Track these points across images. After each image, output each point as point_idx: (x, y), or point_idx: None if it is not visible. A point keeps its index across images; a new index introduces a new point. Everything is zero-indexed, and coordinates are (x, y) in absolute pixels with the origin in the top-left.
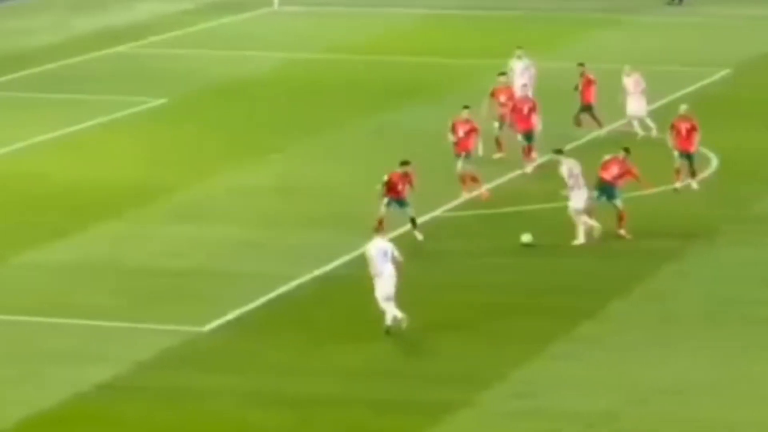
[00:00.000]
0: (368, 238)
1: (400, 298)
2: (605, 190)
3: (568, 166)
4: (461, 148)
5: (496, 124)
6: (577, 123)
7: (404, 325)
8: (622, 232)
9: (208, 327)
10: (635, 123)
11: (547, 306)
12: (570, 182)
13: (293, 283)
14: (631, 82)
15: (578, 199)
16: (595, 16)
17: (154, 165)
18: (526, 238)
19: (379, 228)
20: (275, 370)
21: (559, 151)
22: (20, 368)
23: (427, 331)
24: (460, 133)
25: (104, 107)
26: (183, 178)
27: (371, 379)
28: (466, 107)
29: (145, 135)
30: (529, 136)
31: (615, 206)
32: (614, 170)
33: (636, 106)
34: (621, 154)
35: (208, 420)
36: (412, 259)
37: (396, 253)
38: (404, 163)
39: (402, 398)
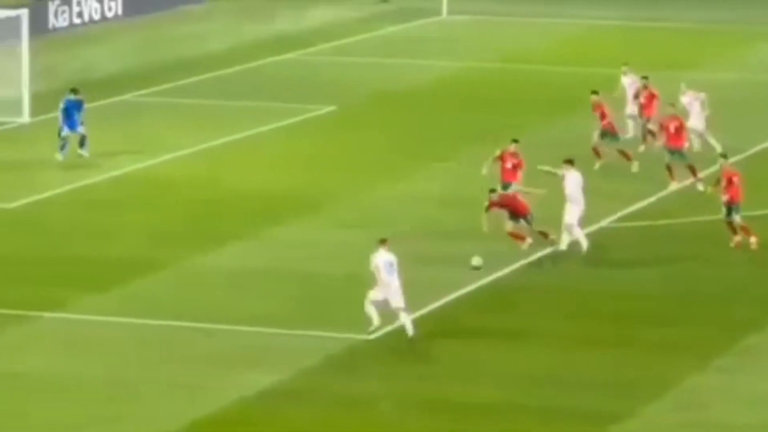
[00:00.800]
0: (538, 245)
1: (563, 304)
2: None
3: (574, 179)
4: (508, 178)
5: (596, 134)
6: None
7: (410, 335)
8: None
9: (371, 334)
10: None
11: (707, 316)
12: (572, 195)
13: (457, 291)
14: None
15: (572, 214)
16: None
17: (321, 172)
18: (475, 261)
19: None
20: (438, 377)
21: (570, 162)
22: (186, 373)
23: (587, 340)
24: (509, 164)
25: (273, 114)
26: (350, 185)
27: (533, 387)
28: (515, 141)
29: (313, 142)
30: (677, 153)
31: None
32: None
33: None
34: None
35: (368, 426)
36: (577, 267)
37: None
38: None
39: (566, 407)
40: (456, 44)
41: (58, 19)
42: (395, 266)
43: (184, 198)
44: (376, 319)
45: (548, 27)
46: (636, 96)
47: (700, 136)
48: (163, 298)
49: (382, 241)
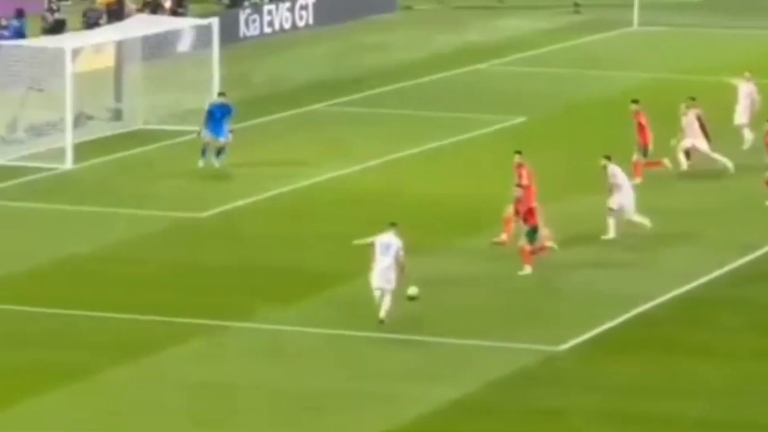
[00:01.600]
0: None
1: (756, 318)
2: None
3: (613, 171)
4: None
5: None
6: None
7: (385, 320)
8: None
9: (563, 346)
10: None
11: None
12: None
13: (652, 303)
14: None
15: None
16: None
17: (510, 183)
18: (411, 291)
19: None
20: (631, 390)
21: (608, 158)
22: (372, 385)
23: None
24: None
25: (463, 124)
26: (542, 196)
27: (727, 400)
28: (518, 152)
29: (503, 153)
30: None
31: None
32: None
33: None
34: None
35: None
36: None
37: (401, 254)
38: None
39: (762, 422)
40: (646, 55)
41: (248, 28)
42: (392, 250)
43: (370, 208)
44: (386, 304)
45: (743, 39)
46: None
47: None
48: (354, 309)
49: (392, 224)
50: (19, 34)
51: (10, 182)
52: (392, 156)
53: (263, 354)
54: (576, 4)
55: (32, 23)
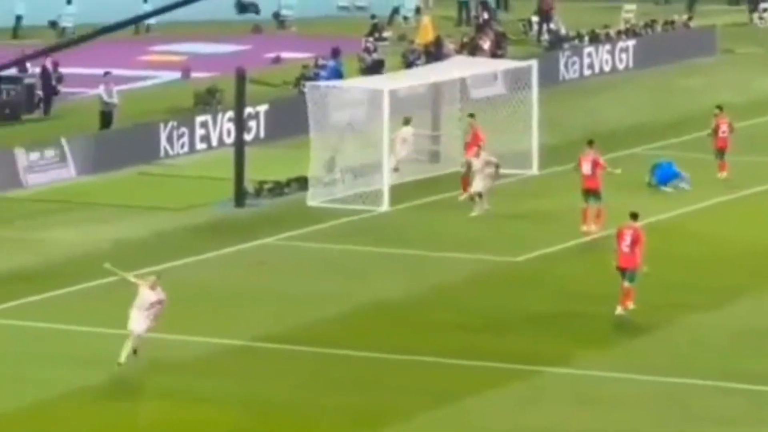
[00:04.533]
0: None
1: None
2: None
3: None
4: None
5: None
6: None
7: None
8: None
9: None
10: None
11: None
12: None
13: None
14: None
15: None
16: None
17: None
18: None
19: None
20: None
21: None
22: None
23: None
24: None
25: None
26: None
27: None
28: (590, 142)
29: None
30: None
31: None
32: None
33: None
34: None
35: None
36: None
37: None
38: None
39: None
40: None
41: (568, 71)
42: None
43: (689, 253)
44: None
45: None
46: None
47: None
48: (671, 356)
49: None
50: (336, 73)
51: (327, 224)
52: (710, 201)
53: (580, 400)
54: None
55: (349, 63)
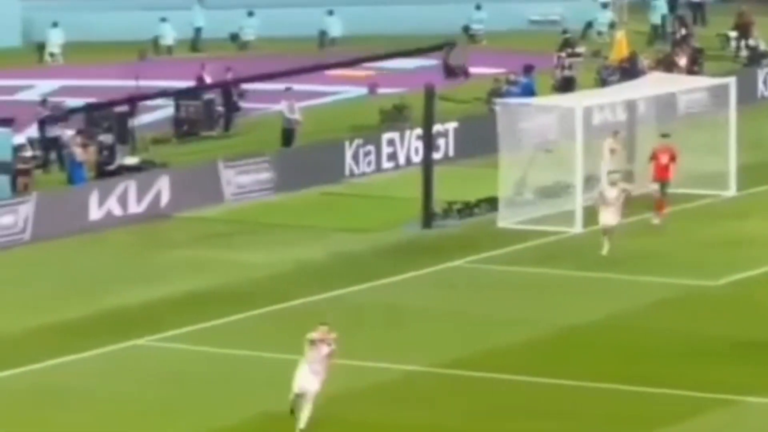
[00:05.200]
0: None
1: None
2: None
3: None
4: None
5: None
6: None
7: None
8: None
9: None
10: None
11: None
12: None
13: None
14: None
15: None
16: None
17: None
18: None
19: None
20: None
21: None
22: None
23: None
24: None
25: None
26: None
27: None
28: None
29: None
30: None
31: None
32: None
33: None
34: None
35: None
36: None
37: None
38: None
39: None
40: None
41: (767, 88)
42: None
43: None
44: None
45: None
46: None
47: None
48: None
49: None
50: (529, 90)
51: (517, 246)
52: None
53: None
54: None
55: (541, 79)
